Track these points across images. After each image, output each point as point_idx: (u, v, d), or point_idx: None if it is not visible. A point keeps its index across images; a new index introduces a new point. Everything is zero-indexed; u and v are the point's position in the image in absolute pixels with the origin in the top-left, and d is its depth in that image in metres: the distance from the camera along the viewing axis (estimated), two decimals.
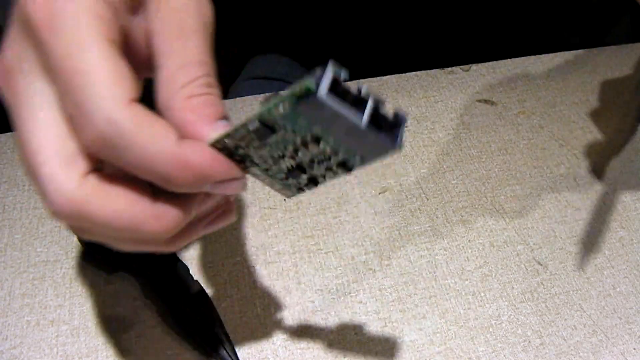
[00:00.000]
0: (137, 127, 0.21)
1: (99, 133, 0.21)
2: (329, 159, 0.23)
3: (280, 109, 0.21)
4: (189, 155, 0.22)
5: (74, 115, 0.22)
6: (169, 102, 0.23)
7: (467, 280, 0.38)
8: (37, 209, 0.41)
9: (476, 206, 0.43)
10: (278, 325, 0.36)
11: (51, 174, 0.22)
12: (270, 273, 0.38)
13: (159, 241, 0.24)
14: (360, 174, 0.45)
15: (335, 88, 0.19)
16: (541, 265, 0.39)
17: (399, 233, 0.41)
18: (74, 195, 0.22)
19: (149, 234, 0.23)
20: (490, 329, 0.36)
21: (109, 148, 0.21)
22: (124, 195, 0.22)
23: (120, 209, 0.22)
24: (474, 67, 0.53)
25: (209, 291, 0.36)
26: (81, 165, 0.22)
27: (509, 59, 0.54)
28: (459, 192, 0.44)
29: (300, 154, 0.23)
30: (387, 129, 0.21)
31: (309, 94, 0.19)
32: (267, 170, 0.25)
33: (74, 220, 0.23)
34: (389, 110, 0.21)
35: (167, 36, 0.23)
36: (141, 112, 0.21)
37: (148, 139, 0.21)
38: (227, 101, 0.50)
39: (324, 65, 0.20)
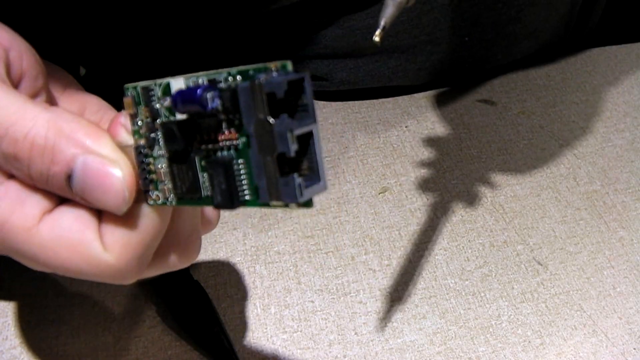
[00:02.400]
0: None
1: None
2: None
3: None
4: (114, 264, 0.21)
5: None
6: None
7: (467, 280, 0.38)
8: None
9: (476, 206, 0.43)
10: (278, 325, 0.36)
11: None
12: (270, 273, 0.38)
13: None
14: (360, 174, 0.45)
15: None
16: (541, 265, 0.39)
17: (399, 233, 0.41)
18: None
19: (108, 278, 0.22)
20: (490, 329, 0.36)
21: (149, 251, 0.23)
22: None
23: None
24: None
25: (209, 291, 0.36)
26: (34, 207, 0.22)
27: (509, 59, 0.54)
28: (459, 192, 0.44)
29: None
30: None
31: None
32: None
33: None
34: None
35: None
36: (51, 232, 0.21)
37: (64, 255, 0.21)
38: None
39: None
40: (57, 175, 0.20)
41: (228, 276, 0.38)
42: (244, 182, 0.19)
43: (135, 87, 0.21)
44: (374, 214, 0.42)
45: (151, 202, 0.21)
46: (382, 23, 0.25)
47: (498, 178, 0.45)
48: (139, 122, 0.22)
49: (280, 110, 0.18)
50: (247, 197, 0.19)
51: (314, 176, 0.18)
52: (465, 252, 0.40)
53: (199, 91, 0.19)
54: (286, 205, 0.18)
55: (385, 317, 0.36)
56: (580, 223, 0.42)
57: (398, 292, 0.38)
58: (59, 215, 0.21)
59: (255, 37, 0.49)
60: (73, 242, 0.21)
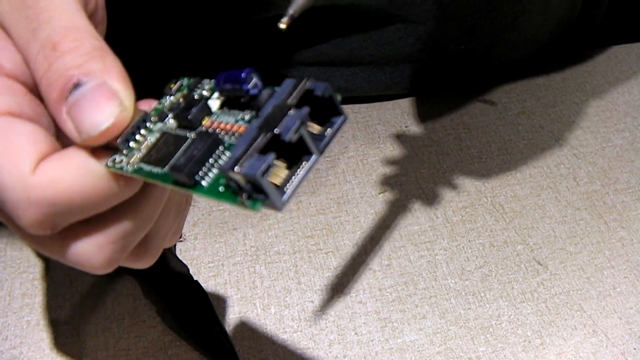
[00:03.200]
0: None
1: None
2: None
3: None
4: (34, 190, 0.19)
5: None
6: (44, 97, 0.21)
7: (467, 280, 0.38)
8: None
9: (476, 206, 0.43)
10: (278, 325, 0.36)
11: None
12: (270, 273, 0.38)
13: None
14: (360, 174, 0.45)
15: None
16: (541, 265, 0.39)
17: (399, 233, 0.41)
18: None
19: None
20: (490, 329, 0.36)
21: (57, 217, 0.20)
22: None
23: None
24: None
25: (209, 291, 0.36)
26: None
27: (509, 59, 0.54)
28: (459, 192, 0.44)
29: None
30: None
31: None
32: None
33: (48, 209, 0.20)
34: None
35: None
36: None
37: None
38: None
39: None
40: (70, 79, 0.20)
41: (228, 276, 0.38)
42: (215, 169, 0.19)
43: (190, 78, 0.22)
44: (374, 214, 0.42)
45: (109, 163, 0.20)
46: (290, 12, 0.25)
47: (498, 178, 0.45)
48: (167, 100, 0.22)
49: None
50: (204, 182, 0.19)
51: (281, 189, 0.18)
52: (465, 252, 0.40)
53: (244, 73, 0.19)
54: (234, 195, 0.18)
55: (385, 317, 0.36)
56: (580, 223, 0.42)
57: (398, 292, 0.38)
58: (21, 122, 0.20)
59: (254, 43, 0.49)
60: (11, 146, 0.20)
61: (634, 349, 0.35)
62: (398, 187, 0.44)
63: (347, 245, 0.40)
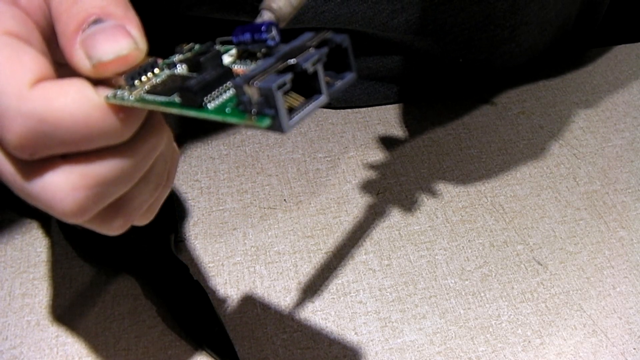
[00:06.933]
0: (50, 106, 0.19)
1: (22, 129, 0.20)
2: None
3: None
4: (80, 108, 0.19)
5: None
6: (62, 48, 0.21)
7: (467, 280, 0.38)
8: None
9: (476, 206, 0.43)
10: (278, 325, 0.36)
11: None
12: (270, 273, 0.38)
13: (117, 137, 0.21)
14: (360, 174, 0.45)
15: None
16: (541, 265, 0.39)
17: (399, 233, 0.41)
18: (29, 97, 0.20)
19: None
20: (490, 329, 0.36)
21: (42, 138, 0.20)
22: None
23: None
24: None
25: (209, 291, 0.36)
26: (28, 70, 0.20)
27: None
28: (459, 192, 0.44)
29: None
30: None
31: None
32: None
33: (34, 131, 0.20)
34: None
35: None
36: (49, 86, 0.20)
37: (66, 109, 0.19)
38: None
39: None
40: (91, 15, 0.21)
41: (228, 276, 0.38)
42: (224, 96, 0.19)
43: (201, 44, 0.23)
44: (374, 214, 0.42)
45: (110, 94, 0.20)
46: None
47: (498, 178, 0.45)
48: (176, 57, 0.22)
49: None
50: (210, 105, 0.19)
51: (293, 113, 0.18)
52: (465, 252, 0.40)
53: (265, 24, 0.20)
54: (241, 113, 0.18)
55: (385, 317, 0.36)
56: (580, 223, 0.42)
57: (398, 292, 0.38)
58: (29, 46, 0.21)
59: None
60: (16, 59, 0.20)
61: (634, 349, 0.35)
62: (398, 187, 0.44)
63: (347, 245, 0.40)
